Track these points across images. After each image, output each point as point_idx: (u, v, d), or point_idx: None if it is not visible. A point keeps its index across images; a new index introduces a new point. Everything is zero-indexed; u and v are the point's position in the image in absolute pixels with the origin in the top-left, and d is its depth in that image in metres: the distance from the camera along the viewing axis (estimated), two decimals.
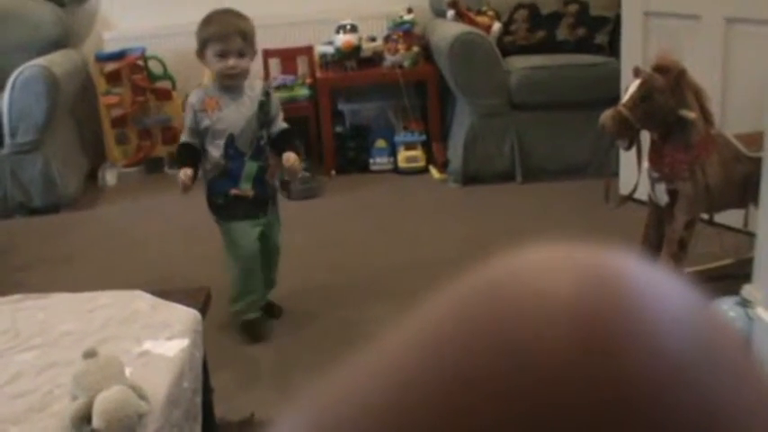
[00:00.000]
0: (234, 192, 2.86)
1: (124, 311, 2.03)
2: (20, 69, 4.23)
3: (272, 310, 3.12)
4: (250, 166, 2.86)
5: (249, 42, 2.82)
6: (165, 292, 2.15)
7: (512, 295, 0.29)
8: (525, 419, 0.27)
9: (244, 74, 2.84)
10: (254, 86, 2.91)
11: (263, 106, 2.87)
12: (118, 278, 3.30)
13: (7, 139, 4.28)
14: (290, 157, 2.85)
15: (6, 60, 4.39)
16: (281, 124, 2.94)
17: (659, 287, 0.30)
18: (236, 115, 2.83)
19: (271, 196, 2.98)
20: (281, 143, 2.91)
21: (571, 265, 0.30)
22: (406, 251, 3.61)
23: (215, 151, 2.83)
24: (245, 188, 2.86)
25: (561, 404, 0.26)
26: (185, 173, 2.77)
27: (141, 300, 2.09)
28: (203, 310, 2.10)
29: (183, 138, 2.88)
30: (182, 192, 2.78)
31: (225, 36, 2.76)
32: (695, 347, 0.28)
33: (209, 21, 2.81)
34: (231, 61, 2.76)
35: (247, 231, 2.91)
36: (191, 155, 2.85)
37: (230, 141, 2.82)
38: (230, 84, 2.83)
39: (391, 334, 0.32)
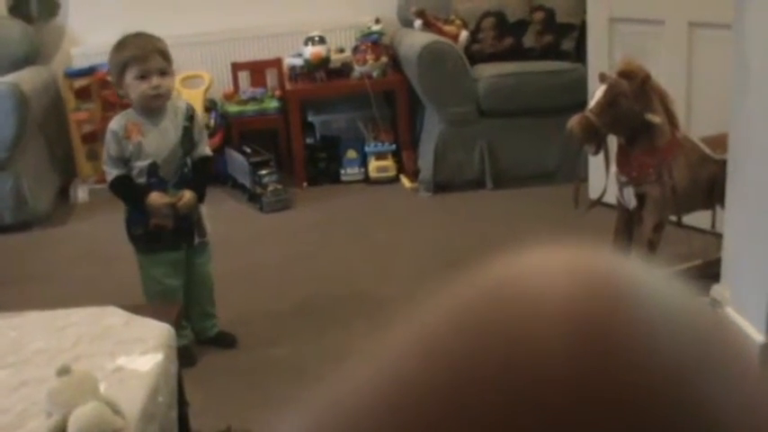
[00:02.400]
0: (154, 222, 2.75)
1: (97, 328, 2.02)
2: None
3: (224, 341, 2.98)
4: (171, 196, 2.75)
5: (168, 61, 2.71)
6: (138, 308, 2.15)
7: (510, 297, 0.30)
8: (522, 419, 0.27)
9: (168, 94, 2.72)
10: (177, 108, 2.79)
11: (188, 132, 2.77)
12: (91, 294, 3.28)
13: None
14: (183, 196, 2.74)
15: None
16: (201, 150, 2.84)
17: (655, 287, 0.30)
18: (158, 142, 2.72)
19: (196, 225, 2.85)
20: (193, 174, 2.81)
21: (568, 266, 0.31)
22: (380, 260, 3.62)
23: (136, 179, 2.73)
24: (166, 219, 2.75)
25: (558, 404, 0.27)
26: (156, 201, 2.70)
27: (114, 315, 2.08)
28: (176, 324, 2.10)
29: (112, 171, 2.75)
30: (165, 223, 2.73)
31: (144, 56, 2.64)
32: (691, 347, 0.29)
33: (123, 45, 2.70)
34: (155, 80, 2.64)
35: (167, 265, 2.80)
36: (132, 186, 2.74)
37: (153, 169, 2.72)
38: (155, 105, 2.70)
39: (390, 335, 0.32)
